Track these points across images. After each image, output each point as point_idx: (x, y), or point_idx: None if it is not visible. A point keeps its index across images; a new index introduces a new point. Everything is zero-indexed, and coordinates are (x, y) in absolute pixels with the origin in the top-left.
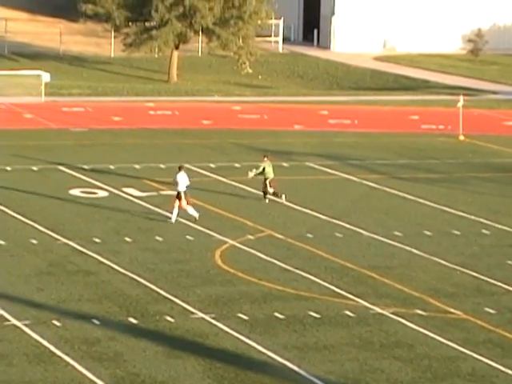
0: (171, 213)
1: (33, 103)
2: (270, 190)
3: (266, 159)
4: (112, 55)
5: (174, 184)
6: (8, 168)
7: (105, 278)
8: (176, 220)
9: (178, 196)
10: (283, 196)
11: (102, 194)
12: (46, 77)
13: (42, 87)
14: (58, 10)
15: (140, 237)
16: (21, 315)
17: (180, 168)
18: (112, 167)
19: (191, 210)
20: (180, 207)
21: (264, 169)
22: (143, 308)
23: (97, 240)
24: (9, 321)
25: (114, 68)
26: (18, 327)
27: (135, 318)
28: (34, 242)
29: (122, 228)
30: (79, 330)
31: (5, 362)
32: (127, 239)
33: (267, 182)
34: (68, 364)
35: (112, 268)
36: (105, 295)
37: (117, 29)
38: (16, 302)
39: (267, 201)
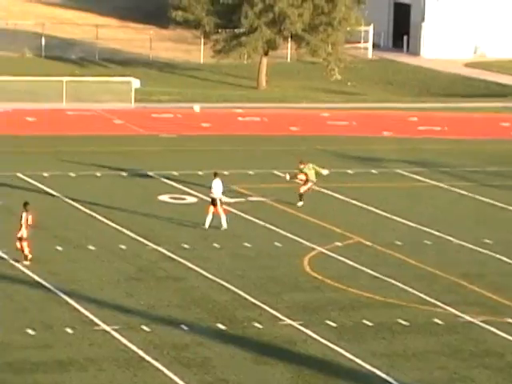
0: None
1: (123, 109)
2: (302, 190)
3: (302, 165)
4: (201, 62)
5: (211, 192)
6: (98, 174)
7: (193, 284)
8: (209, 226)
9: (213, 202)
10: (301, 203)
11: (190, 200)
12: (136, 83)
13: (132, 93)
14: (149, 17)
15: (228, 243)
16: (110, 320)
17: (215, 175)
18: (201, 173)
19: (224, 219)
20: (216, 213)
21: (306, 174)
22: (231, 314)
23: (185, 246)
24: (98, 325)
25: (203, 74)
26: (107, 332)
27: (223, 324)
28: (124, 247)
29: (211, 234)
30: (168, 335)
31: (95, 366)
32: (216, 245)
33: (309, 184)
34: (157, 369)
35: (200, 274)
36: (193, 301)
37: (206, 35)
38: (105, 307)
39: (301, 203)
